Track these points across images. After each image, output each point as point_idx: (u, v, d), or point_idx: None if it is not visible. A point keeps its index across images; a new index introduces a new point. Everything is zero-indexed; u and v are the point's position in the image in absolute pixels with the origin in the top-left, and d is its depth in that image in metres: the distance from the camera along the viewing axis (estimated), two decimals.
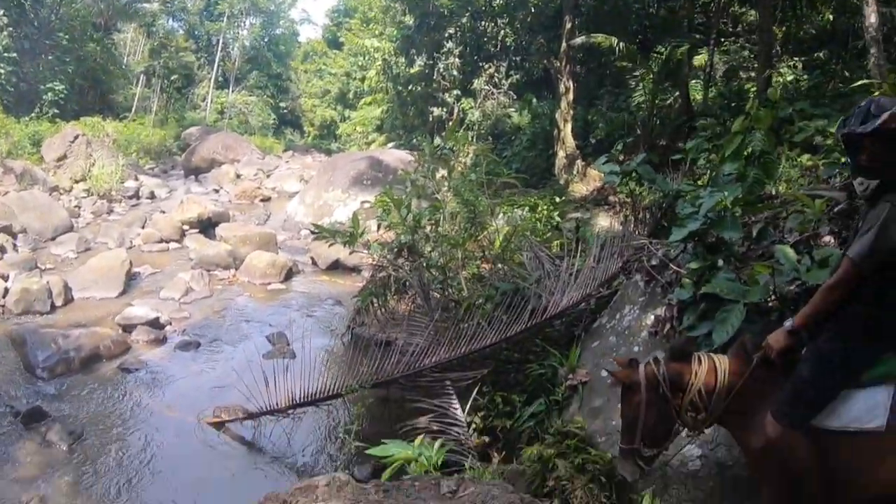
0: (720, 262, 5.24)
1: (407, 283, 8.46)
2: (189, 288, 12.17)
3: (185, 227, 16.63)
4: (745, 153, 5.90)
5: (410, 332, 7.51)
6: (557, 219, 11.36)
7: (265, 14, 53.07)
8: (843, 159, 5.50)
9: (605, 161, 7.53)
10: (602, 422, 5.18)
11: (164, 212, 18.25)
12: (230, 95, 49.51)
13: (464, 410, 6.18)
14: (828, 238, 5.03)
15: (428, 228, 8.64)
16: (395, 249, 8.46)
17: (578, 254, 7.67)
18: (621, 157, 11.47)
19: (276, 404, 6.73)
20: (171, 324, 10.45)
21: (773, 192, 6.12)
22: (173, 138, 37.86)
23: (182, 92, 48.43)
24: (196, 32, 50.64)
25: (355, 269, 13.65)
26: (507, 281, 7.80)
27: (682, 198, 6.39)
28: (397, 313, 8.72)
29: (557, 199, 12.09)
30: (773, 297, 4.67)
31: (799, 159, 6.88)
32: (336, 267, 14.17)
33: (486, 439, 6.03)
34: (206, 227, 16.95)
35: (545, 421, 5.68)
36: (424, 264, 8.14)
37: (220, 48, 49.60)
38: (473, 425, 6.10)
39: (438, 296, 8.17)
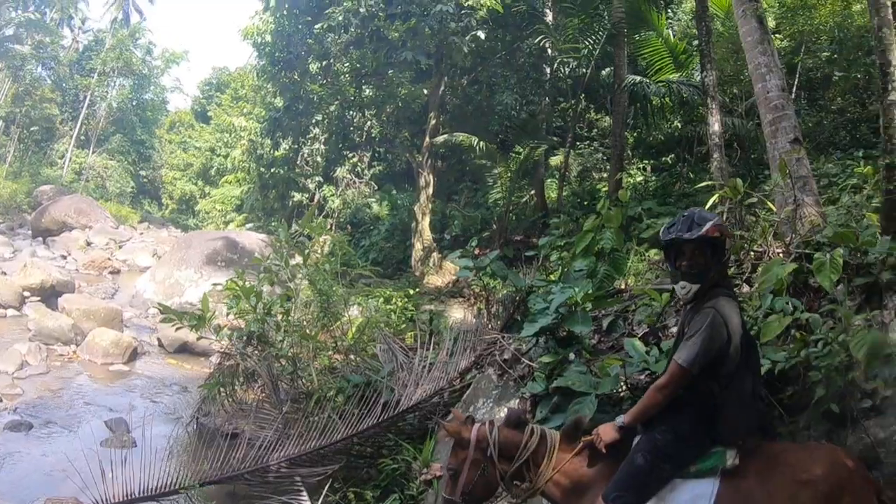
0: (571, 356, 5.39)
1: (255, 373, 8.02)
2: (24, 362, 11.15)
3: (26, 293, 15.34)
4: (596, 250, 6.22)
5: (258, 424, 7.17)
6: (412, 310, 11.36)
7: (137, 77, 50.59)
8: None
9: (461, 255, 7.63)
10: None
11: (4, 273, 16.67)
12: (90, 156, 46.30)
13: None
14: (675, 329, 5.22)
15: (279, 317, 8.33)
16: (245, 337, 8.09)
17: (432, 346, 7.71)
18: (476, 252, 11.70)
19: (113, 498, 6.01)
20: (1, 400, 9.38)
21: (623, 287, 6.42)
22: (25, 194, 35.09)
23: (41, 146, 44.81)
24: (64, 85, 47.27)
25: (204, 354, 12.94)
26: (360, 373, 7.69)
27: (534, 293, 6.56)
28: (245, 404, 8.26)
29: (412, 291, 12.08)
30: (624, 388, 4.85)
31: (647, 254, 7.30)
32: (184, 350, 13.49)
33: None
34: (49, 295, 15.64)
35: None
36: (274, 354, 7.85)
37: (86, 105, 46.57)
38: None
39: (288, 387, 7.86)
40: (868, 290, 4.98)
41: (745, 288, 5.33)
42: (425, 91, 18.14)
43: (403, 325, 10.41)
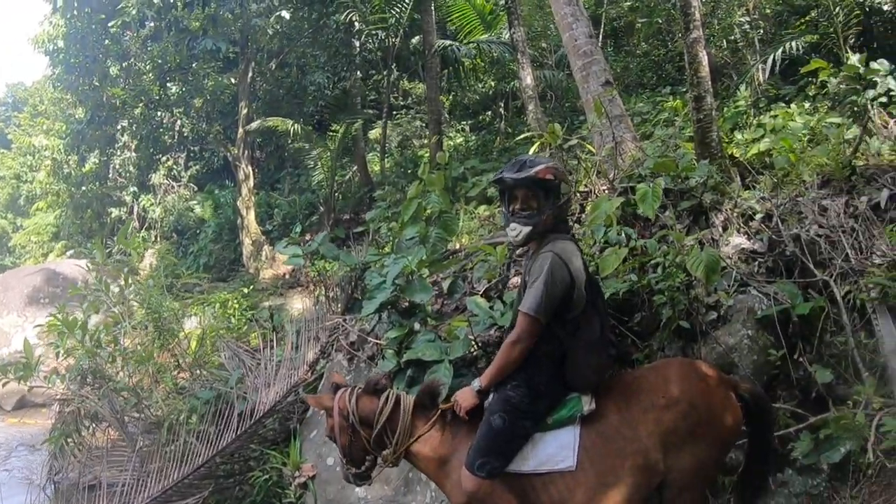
0: (417, 326, 5.21)
1: (99, 414, 7.19)
2: None
3: None
4: (424, 215, 6.07)
5: (115, 467, 6.45)
6: (252, 310, 10.86)
7: None
8: None
9: (287, 244, 7.07)
10: None
11: None
12: None
13: None
14: (515, 279, 5.17)
15: (111, 347, 7.62)
16: (78, 377, 7.36)
17: (277, 343, 7.39)
18: (308, 237, 11.24)
19: None
20: None
21: (458, 247, 6.21)
22: None
23: None
24: None
25: (45, 406, 11.39)
26: (209, 387, 7.18)
27: (370, 269, 6.37)
28: (96, 449, 7.33)
29: (246, 290, 11.40)
30: (475, 348, 4.73)
31: (476, 211, 7.17)
32: (23, 405, 12.37)
33: None
34: None
35: None
36: (113, 388, 7.16)
37: None
38: None
39: (136, 420, 7.20)
40: (694, 212, 5.24)
41: (577, 228, 5.33)
42: (233, 80, 17.08)
43: (245, 328, 10.00)
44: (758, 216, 5.12)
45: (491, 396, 3.38)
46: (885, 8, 9.30)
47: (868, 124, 6.07)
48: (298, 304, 10.89)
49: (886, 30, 9.86)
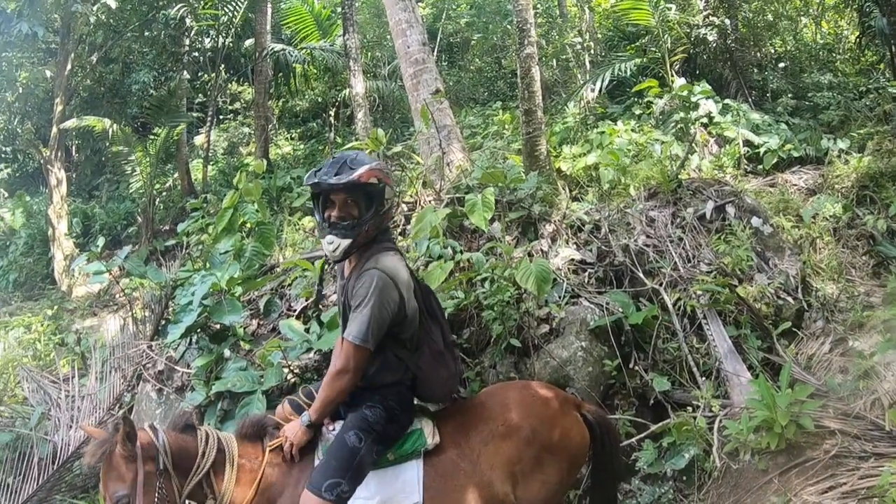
0: (227, 352, 4.73)
1: None
2: None
3: None
4: (240, 227, 5.59)
5: None
6: (61, 333, 9.64)
7: None
8: None
9: (87, 260, 6.17)
10: None
11: None
12: None
13: None
14: (335, 297, 4.70)
15: None
16: None
17: (87, 372, 6.72)
18: (128, 249, 10.13)
19: None
20: None
21: (279, 262, 5.67)
22: None
23: None
24: None
25: None
26: (8, 428, 6.24)
27: (180, 287, 5.66)
28: None
29: (50, 311, 10.25)
30: (291, 375, 4.32)
31: (301, 223, 6.67)
32: None
33: None
34: None
35: None
36: None
37: None
38: None
39: None
40: (522, 224, 5.15)
41: (401, 241, 5.06)
42: (49, 73, 15.29)
43: (52, 354, 8.80)
44: (587, 227, 5.14)
45: (348, 416, 2.98)
46: (709, 38, 9.95)
47: (692, 143, 6.31)
48: (114, 325, 9.79)
49: (709, 59, 10.61)
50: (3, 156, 18.48)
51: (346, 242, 2.82)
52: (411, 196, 5.49)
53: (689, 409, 3.98)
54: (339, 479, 2.76)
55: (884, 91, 9.73)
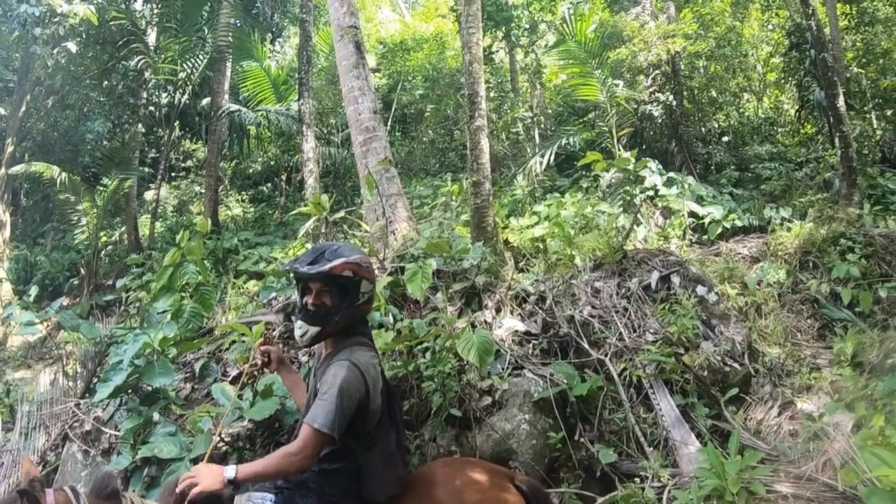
0: (156, 416, 4.51)
1: None
2: None
3: None
4: (180, 286, 5.50)
5: None
6: None
7: None
8: (279, 283, 5.36)
9: (20, 307, 5.92)
10: None
11: None
12: None
13: None
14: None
15: None
16: None
17: (14, 430, 6.16)
18: (67, 302, 9.77)
19: None
20: None
21: (218, 325, 5.50)
22: None
23: None
24: None
25: None
26: None
27: (116, 344, 5.47)
28: None
29: None
30: (223, 443, 4.16)
31: (245, 286, 6.52)
32: None
33: None
34: None
35: None
36: None
37: None
38: None
39: None
40: (466, 294, 5.11)
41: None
42: (2, 111, 14.95)
43: None
44: (532, 298, 5.11)
45: (274, 499, 2.89)
46: (655, 114, 10.30)
47: (637, 214, 6.41)
48: (45, 379, 9.34)
49: (655, 133, 11.00)
50: None
51: (314, 330, 2.84)
52: None
53: (637, 480, 3.90)
54: None
55: (823, 160, 10.18)
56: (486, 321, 4.74)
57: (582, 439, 4.30)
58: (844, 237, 6.69)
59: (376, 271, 4.90)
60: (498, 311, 4.89)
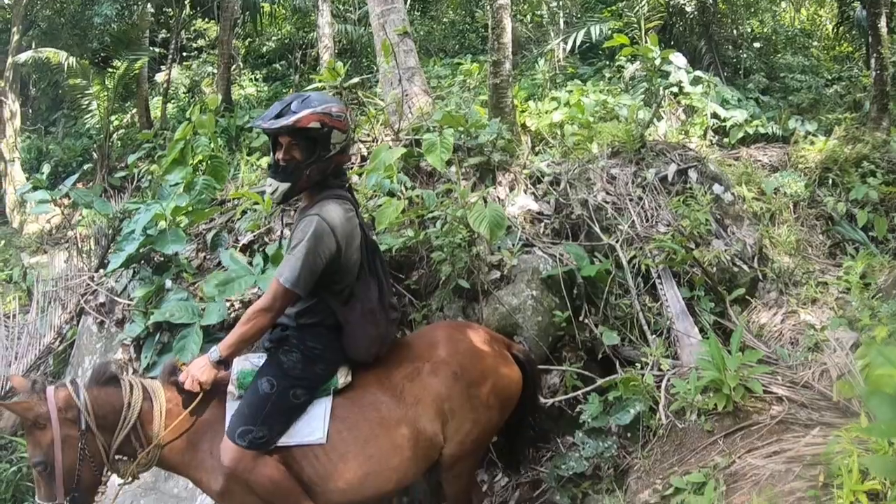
0: (168, 283, 4.56)
1: None
2: None
3: None
4: (193, 161, 5.42)
5: None
6: (9, 271, 9.42)
7: None
8: None
9: (32, 188, 5.92)
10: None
11: None
12: None
13: None
14: (281, 231, 4.63)
15: None
16: None
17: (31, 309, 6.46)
18: (81, 186, 9.82)
19: None
20: None
21: (230, 197, 5.50)
22: None
23: None
24: None
25: None
26: None
27: (128, 219, 5.57)
28: None
29: None
30: (236, 307, 4.22)
31: (259, 163, 6.49)
32: None
33: None
34: None
35: None
36: None
37: None
38: None
39: None
40: (481, 170, 5.03)
41: (356, 179, 4.90)
42: (7, 1, 14.60)
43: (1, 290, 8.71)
44: (546, 179, 5.04)
45: (263, 360, 2.96)
46: (688, 9, 9.87)
47: (658, 107, 6.25)
48: (60, 259, 9.54)
49: (685, 30, 10.57)
50: None
51: (284, 186, 2.79)
52: (368, 134, 5.30)
53: (638, 366, 3.95)
54: (250, 427, 2.74)
55: (856, 80, 9.84)
56: (499, 198, 4.69)
57: (586, 321, 4.33)
58: (868, 160, 6.54)
59: (389, 142, 4.84)
60: (511, 189, 4.84)
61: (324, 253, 2.72)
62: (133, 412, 2.76)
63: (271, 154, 2.88)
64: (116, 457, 2.82)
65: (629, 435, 3.81)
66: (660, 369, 3.88)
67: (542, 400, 3.97)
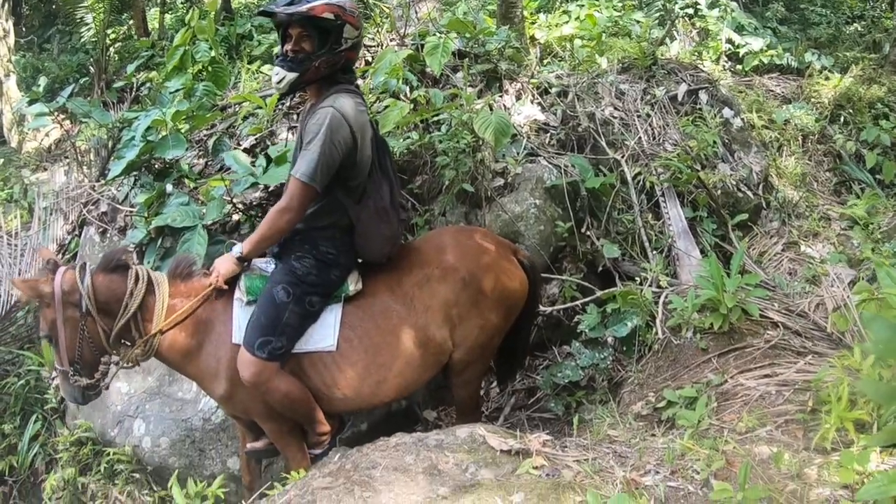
0: (169, 188, 4.49)
1: None
2: None
3: None
4: (192, 67, 5.32)
5: None
6: (9, 190, 9.19)
7: None
8: None
9: (29, 102, 5.84)
10: (106, 411, 4.27)
11: None
12: None
13: None
14: (285, 135, 4.62)
15: None
16: None
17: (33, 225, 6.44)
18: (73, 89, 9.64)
19: None
20: None
21: (231, 101, 5.43)
22: None
23: None
24: None
25: None
26: None
27: (127, 129, 5.43)
28: None
29: None
30: (234, 209, 4.18)
31: (259, 71, 6.36)
32: None
33: (3, 490, 4.81)
34: None
35: (51, 439, 4.70)
36: None
37: None
38: None
39: None
40: (487, 78, 4.93)
41: (360, 82, 4.74)
42: None
43: (1, 209, 8.34)
44: (553, 90, 4.94)
45: (273, 268, 2.93)
46: None
47: (672, 26, 6.10)
48: (60, 174, 9.45)
49: None
50: None
51: (291, 76, 2.70)
52: (373, 39, 5.20)
53: (637, 281, 3.96)
54: (269, 337, 2.73)
55: (878, 21, 9.54)
56: (505, 106, 4.61)
57: (588, 233, 4.34)
58: (882, 102, 6.42)
59: (394, 46, 4.72)
60: (518, 98, 4.75)
61: (339, 144, 2.66)
62: (135, 301, 2.81)
63: (279, 46, 2.80)
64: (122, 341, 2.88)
65: (625, 348, 3.87)
66: (658, 286, 3.89)
67: (542, 308, 3.99)
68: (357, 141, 2.73)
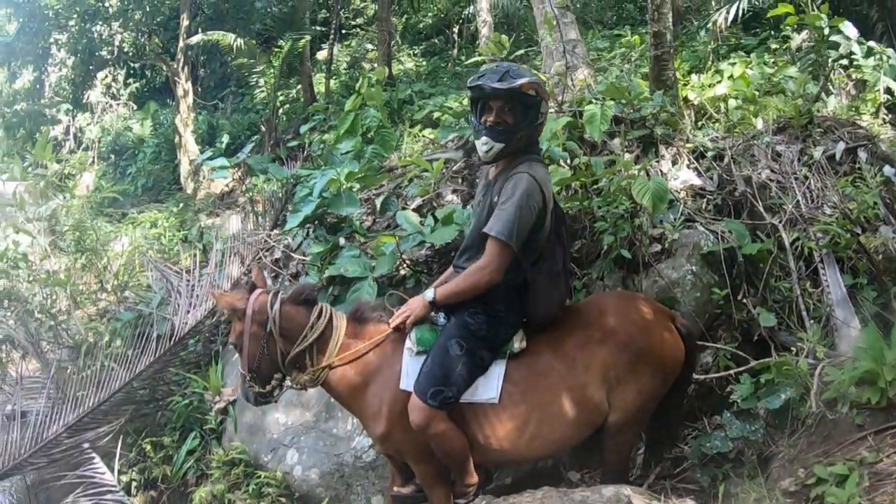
0: (342, 241, 4.94)
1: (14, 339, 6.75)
2: None
3: None
4: (361, 131, 5.74)
5: (29, 396, 5.92)
6: (185, 231, 10.26)
7: None
8: (457, 123, 5.52)
9: (211, 156, 6.59)
10: (262, 437, 4.72)
11: None
12: None
13: (113, 470, 5.05)
14: (450, 197, 4.86)
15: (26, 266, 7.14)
16: None
17: (203, 263, 6.96)
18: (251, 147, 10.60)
19: None
20: None
21: (397, 167, 5.86)
22: None
23: None
24: None
25: None
26: (131, 309, 6.87)
27: (301, 184, 5.96)
28: (10, 377, 6.83)
29: (176, 209, 10.95)
30: (402, 265, 4.49)
31: (421, 134, 6.80)
32: None
33: (153, 493, 5.23)
34: None
35: (205, 455, 5.15)
36: (25, 311, 6.73)
37: None
38: (134, 483, 5.22)
39: (52, 344, 6.74)
40: (644, 143, 5.02)
41: None
42: None
43: (176, 248, 9.38)
44: (709, 154, 4.95)
45: (446, 322, 3.12)
46: None
47: (827, 80, 5.95)
48: (235, 224, 10.37)
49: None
50: (132, 71, 19.45)
51: (499, 146, 2.93)
52: None
53: (793, 351, 3.84)
54: (441, 387, 2.90)
55: None
56: (661, 171, 4.70)
57: (744, 300, 4.25)
58: None
59: (554, 114, 4.96)
60: (674, 163, 4.81)
61: (533, 208, 2.86)
62: (314, 333, 3.12)
63: (475, 116, 3.03)
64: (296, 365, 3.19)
65: (777, 421, 3.73)
66: (815, 357, 3.73)
67: (695, 376, 3.98)
68: (547, 205, 2.95)
